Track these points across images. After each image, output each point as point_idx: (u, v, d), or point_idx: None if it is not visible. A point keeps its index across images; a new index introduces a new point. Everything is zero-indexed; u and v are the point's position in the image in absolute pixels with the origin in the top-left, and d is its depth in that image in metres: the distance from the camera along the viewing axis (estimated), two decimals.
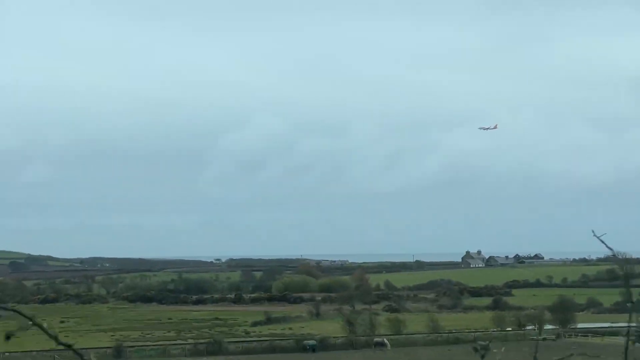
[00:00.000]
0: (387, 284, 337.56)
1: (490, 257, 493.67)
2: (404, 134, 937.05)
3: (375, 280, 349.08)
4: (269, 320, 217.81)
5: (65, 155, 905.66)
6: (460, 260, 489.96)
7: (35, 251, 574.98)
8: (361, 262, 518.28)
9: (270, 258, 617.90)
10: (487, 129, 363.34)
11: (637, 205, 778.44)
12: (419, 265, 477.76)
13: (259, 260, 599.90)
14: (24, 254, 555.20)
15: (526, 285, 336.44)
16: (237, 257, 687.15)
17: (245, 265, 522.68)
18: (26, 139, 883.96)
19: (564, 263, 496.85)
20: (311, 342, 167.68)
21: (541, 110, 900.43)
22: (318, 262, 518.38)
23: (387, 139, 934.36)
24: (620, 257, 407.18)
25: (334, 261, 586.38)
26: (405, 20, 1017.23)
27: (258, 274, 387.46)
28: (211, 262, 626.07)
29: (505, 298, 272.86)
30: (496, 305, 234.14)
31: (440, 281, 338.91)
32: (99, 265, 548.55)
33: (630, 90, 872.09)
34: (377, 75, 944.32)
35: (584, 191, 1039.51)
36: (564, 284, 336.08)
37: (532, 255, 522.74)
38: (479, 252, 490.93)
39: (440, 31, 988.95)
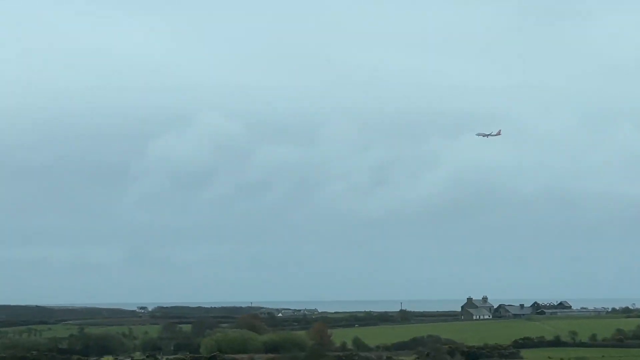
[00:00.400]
0: (356, 342, 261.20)
1: (500, 306, 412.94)
2: (396, 140, 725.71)
3: (342, 336, 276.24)
4: None
5: None
6: (460, 309, 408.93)
7: None
8: (333, 311, 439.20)
9: (212, 305, 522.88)
10: (488, 135, 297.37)
11: None
12: (403, 317, 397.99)
13: (198, 308, 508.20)
14: None
15: (542, 344, 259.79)
16: (169, 304, 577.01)
17: (175, 316, 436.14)
18: None
19: (599, 314, 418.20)
20: None
21: (579, 110, 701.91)
22: (275, 312, 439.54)
23: (373, 147, 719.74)
24: None
25: (298, 310, 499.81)
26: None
27: (188, 328, 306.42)
28: (133, 310, 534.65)
29: None
30: None
31: (426, 338, 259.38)
32: None
33: None
34: (360, 63, 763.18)
35: (634, 219, 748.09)
36: (593, 343, 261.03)
37: (555, 303, 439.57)
38: (484, 299, 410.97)
39: (443, 6, 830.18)
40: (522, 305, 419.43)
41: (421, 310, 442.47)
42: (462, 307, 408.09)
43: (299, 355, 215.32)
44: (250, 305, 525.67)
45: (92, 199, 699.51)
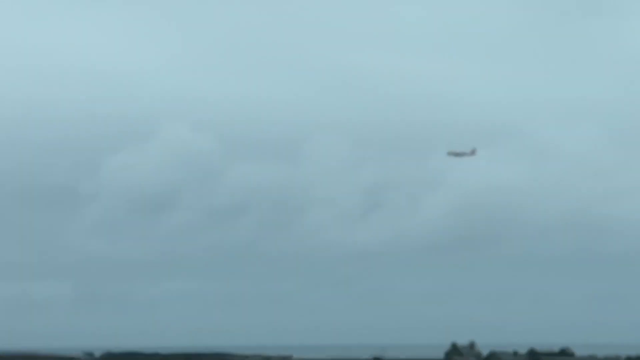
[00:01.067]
0: None
1: (491, 354, 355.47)
2: (393, 158, 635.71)
3: None
4: None
5: None
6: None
7: None
8: (309, 358, 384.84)
9: (174, 351, 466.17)
10: (461, 154, 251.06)
11: None
12: None
13: (154, 355, 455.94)
14: None
15: None
16: (123, 349, 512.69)
17: None
18: None
19: None
20: None
21: (607, 123, 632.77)
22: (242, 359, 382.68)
23: (366, 166, 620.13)
24: None
25: (268, 357, 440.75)
26: None
27: None
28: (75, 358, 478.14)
29: None
30: None
31: None
32: None
33: None
34: (351, 68, 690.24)
35: None
36: None
37: (555, 350, 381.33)
38: (472, 345, 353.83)
39: (447, 3, 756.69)
40: (515, 353, 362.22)
41: (404, 357, 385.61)
42: (445, 354, 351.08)
43: None
44: (215, 349, 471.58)
45: (35, 226, 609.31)
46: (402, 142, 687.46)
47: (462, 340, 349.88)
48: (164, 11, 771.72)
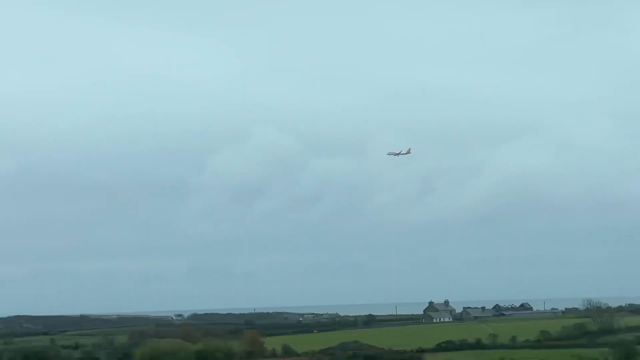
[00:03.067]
0: (285, 348, 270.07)
1: (464, 309, 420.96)
2: (441, 151, 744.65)
3: (295, 342, 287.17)
4: None
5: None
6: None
7: None
8: (344, 314, 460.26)
9: (260, 311, 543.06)
10: (398, 154, 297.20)
11: None
12: (367, 321, 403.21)
13: (227, 315, 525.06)
14: None
15: (463, 346, 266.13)
16: (211, 311, 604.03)
17: (202, 323, 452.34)
18: None
19: (555, 315, 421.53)
20: None
21: (615, 117, 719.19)
22: (298, 317, 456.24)
23: (420, 158, 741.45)
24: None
25: (320, 314, 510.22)
26: (435, 8, 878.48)
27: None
28: (170, 318, 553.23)
29: None
30: None
31: (351, 344, 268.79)
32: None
33: None
34: (404, 78, 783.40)
35: None
36: (513, 345, 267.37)
37: (517, 305, 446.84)
38: (446, 303, 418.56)
39: (482, 20, 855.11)
40: (483, 308, 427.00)
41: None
42: (424, 311, 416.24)
43: None
44: (276, 310, 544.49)
45: (156, 213, 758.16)
46: (448, 137, 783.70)
47: (440, 299, 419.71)
48: (253, 36, 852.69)
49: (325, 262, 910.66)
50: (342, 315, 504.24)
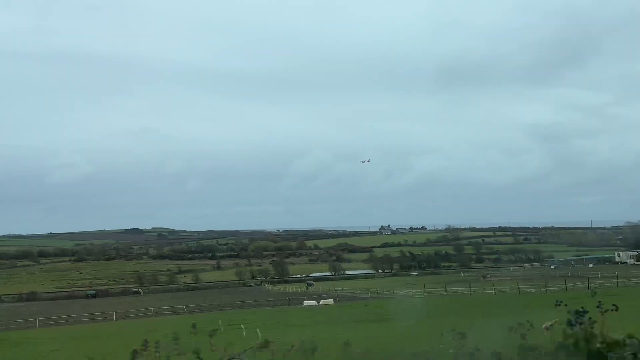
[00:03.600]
0: (316, 246, 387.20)
1: (396, 229, 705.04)
2: None
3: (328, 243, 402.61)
4: (180, 272, 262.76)
5: None
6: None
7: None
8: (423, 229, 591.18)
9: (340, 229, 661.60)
10: (364, 162, 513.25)
11: None
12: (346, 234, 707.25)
13: (330, 231, 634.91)
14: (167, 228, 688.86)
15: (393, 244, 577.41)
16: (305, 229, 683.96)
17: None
18: None
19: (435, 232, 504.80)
20: (91, 292, 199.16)
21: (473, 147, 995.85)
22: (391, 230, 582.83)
23: None
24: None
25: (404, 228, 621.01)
26: None
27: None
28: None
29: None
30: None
31: (345, 245, 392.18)
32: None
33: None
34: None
35: None
36: (414, 244, 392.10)
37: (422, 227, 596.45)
38: (388, 226, 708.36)
39: None
40: (411, 228, 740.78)
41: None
42: (379, 229, 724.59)
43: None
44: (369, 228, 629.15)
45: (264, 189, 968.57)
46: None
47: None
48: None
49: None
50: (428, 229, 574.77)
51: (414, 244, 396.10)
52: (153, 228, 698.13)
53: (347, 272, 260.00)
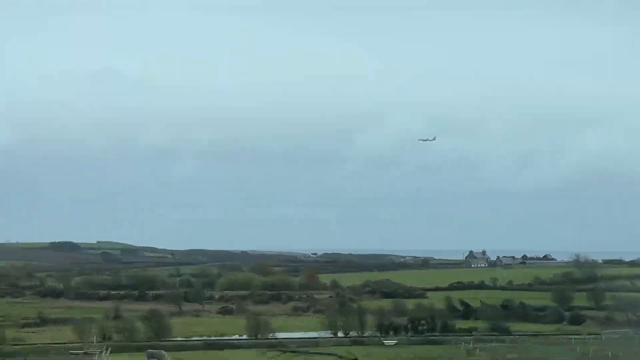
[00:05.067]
0: (334, 284, 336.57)
1: (497, 258, 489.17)
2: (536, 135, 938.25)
3: (349, 280, 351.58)
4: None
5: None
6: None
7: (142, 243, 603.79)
8: (438, 258, 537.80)
9: (378, 253, 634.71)
10: (426, 140, 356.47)
11: None
12: (422, 264, 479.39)
13: (348, 255, 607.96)
14: (128, 245, 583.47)
15: (470, 286, 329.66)
16: (338, 251, 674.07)
17: (329, 260, 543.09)
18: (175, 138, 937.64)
19: (567, 265, 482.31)
20: None
21: None
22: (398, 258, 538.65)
23: (519, 140, 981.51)
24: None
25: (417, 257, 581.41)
26: (544, 20, 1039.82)
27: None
28: (305, 255, 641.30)
29: (407, 300, 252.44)
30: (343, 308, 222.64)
31: (377, 282, 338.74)
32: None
33: None
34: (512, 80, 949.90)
35: None
36: (509, 287, 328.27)
37: (541, 256, 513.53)
38: (483, 253, 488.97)
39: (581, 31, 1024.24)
40: (513, 257, 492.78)
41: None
42: (465, 257, 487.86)
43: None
44: (386, 252, 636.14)
45: (315, 174, 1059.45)
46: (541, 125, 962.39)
47: (478, 249, 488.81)
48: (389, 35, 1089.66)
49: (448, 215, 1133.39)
50: (436, 258, 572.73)
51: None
52: (98, 242, 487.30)
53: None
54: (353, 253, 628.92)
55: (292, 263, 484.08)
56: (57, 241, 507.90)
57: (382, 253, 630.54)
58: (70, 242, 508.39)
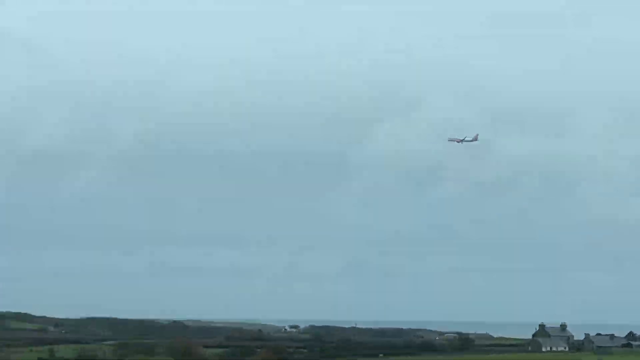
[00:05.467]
0: None
1: (585, 336, 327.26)
2: None
3: None
4: None
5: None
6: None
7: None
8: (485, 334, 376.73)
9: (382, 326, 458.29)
10: (462, 141, 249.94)
11: None
12: (461, 345, 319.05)
13: (340, 329, 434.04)
14: None
15: None
16: (334, 322, 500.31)
17: (313, 338, 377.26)
18: None
19: None
20: None
21: None
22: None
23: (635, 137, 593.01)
24: None
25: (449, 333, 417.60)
26: None
27: None
28: (278, 328, 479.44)
29: None
30: None
31: None
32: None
33: None
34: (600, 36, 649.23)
35: None
36: None
37: None
38: (563, 327, 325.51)
39: None
40: (612, 336, 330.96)
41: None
42: (532, 335, 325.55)
43: None
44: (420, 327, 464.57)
45: (305, 195, 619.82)
46: None
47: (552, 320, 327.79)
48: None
49: (518, 267, 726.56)
50: (482, 334, 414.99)
51: None
52: None
53: None
54: (357, 326, 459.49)
55: (250, 341, 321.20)
56: None
57: (403, 327, 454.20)
58: None
